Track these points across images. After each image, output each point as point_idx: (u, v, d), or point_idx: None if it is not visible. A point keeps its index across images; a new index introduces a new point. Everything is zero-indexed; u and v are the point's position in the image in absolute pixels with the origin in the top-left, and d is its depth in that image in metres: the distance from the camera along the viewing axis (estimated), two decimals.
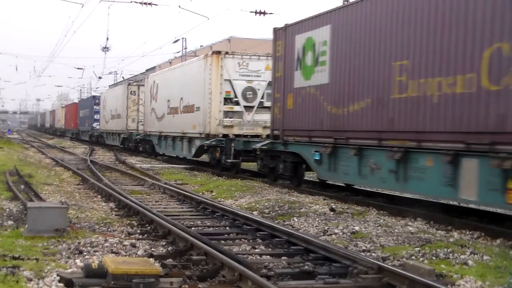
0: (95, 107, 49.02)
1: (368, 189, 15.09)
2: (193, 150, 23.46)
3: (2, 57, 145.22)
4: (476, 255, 7.87)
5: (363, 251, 8.32)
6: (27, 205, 9.37)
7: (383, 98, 12.09)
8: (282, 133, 16.21)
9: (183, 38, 56.36)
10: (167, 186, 15.58)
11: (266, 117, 20.66)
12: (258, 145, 17.59)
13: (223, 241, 8.72)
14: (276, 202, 12.73)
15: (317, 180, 16.71)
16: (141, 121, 34.24)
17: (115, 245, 8.21)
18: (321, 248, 7.77)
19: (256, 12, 30.87)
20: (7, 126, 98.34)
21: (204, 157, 25.23)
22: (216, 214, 11.43)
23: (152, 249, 8.21)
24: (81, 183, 17.36)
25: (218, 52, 21.76)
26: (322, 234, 9.59)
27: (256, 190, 15.20)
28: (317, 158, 14.47)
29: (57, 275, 6.44)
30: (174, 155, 27.59)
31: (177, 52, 59.68)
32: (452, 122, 10.22)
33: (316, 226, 10.21)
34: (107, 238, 8.64)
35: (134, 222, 10.54)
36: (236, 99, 21.49)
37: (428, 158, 10.90)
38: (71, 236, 8.57)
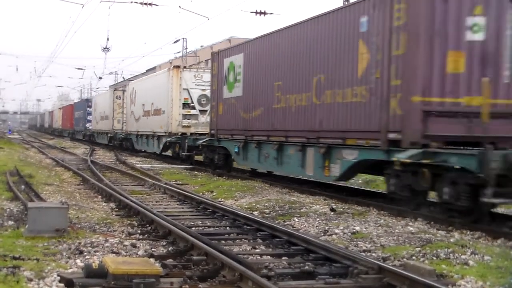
0: (88, 109, 53.78)
1: (368, 189, 15.55)
2: (161, 146, 28.37)
3: (3, 57, 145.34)
4: (477, 255, 7.86)
5: (364, 251, 8.31)
6: (27, 205, 9.37)
7: (269, 107, 17.03)
8: (216, 132, 20.99)
9: (183, 38, 56.41)
10: (168, 186, 15.58)
11: None
12: (200, 142, 22.60)
13: (223, 241, 8.72)
14: (276, 202, 12.73)
15: (317, 181, 16.74)
16: (125, 122, 38.29)
17: (115, 245, 8.21)
18: (321, 248, 7.77)
19: (256, 13, 30.93)
20: (8, 127, 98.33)
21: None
22: (217, 214, 11.43)
23: (153, 249, 8.21)
24: (81, 183, 17.37)
25: (178, 67, 27.68)
26: (322, 234, 9.59)
27: (257, 191, 15.21)
28: (236, 150, 19.15)
29: (58, 275, 6.44)
30: (149, 151, 31.84)
31: (178, 52, 59.75)
32: (301, 124, 15.18)
33: (316, 226, 10.21)
34: (108, 238, 8.63)
35: (134, 222, 10.54)
36: (192, 104, 26.66)
37: (291, 149, 15.86)
38: (71, 236, 8.56)
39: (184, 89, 26.52)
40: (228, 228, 10.13)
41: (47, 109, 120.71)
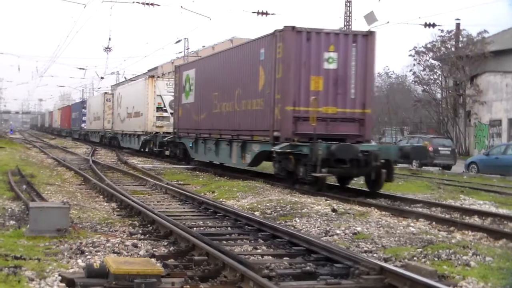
0: (83, 110, 57.73)
1: (368, 190, 15.61)
2: (140, 143, 33.38)
3: (4, 57, 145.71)
4: (478, 256, 7.84)
5: (365, 251, 8.31)
6: (29, 205, 9.38)
7: (210, 112, 21.76)
8: (177, 131, 25.92)
9: (185, 39, 56.57)
10: (169, 187, 15.59)
11: None
12: (166, 139, 28.14)
13: (224, 242, 8.71)
14: (278, 203, 12.71)
15: None
16: (113, 123, 42.38)
17: (117, 245, 8.20)
18: (322, 248, 7.76)
19: (258, 13, 30.99)
20: (9, 126, 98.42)
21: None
22: (218, 214, 11.42)
23: (154, 249, 8.21)
24: (83, 183, 17.37)
25: (153, 76, 33.81)
26: (324, 234, 9.58)
27: (258, 191, 15.19)
28: (190, 145, 24.03)
29: (59, 275, 6.45)
30: (132, 148, 36.16)
31: (179, 53, 59.86)
32: (228, 125, 19.97)
33: (318, 227, 10.20)
34: (109, 238, 8.63)
35: (136, 222, 10.54)
36: (165, 108, 31.78)
37: (224, 143, 20.60)
38: (73, 236, 8.56)
39: (157, 95, 31.85)
40: (229, 228, 10.14)
41: (49, 109, 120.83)
